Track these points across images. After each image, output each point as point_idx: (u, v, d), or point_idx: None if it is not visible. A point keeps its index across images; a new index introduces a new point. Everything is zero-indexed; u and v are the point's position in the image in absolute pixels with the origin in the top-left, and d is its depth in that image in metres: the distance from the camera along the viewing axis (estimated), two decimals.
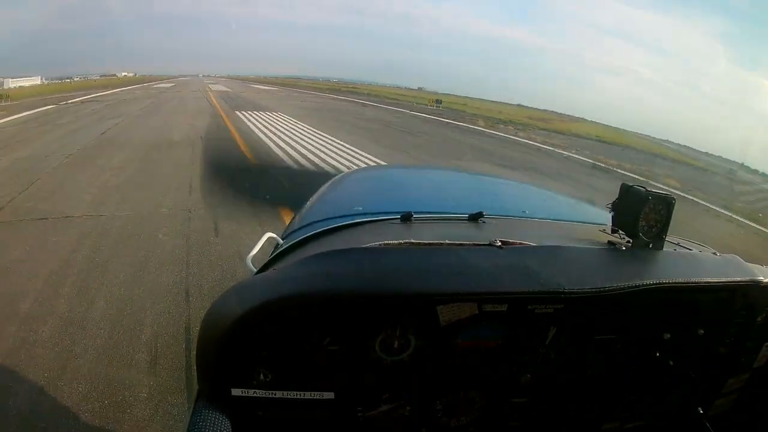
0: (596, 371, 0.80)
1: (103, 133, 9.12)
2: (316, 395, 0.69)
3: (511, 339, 0.73)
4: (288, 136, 9.62)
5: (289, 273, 0.70)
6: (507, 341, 0.73)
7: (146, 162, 6.55)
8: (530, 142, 14.64)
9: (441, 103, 27.58)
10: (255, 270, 0.88)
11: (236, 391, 0.66)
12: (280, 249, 0.97)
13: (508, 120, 23.32)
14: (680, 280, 0.77)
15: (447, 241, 0.80)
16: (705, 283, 0.79)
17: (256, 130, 10.42)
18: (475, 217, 1.00)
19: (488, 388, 0.76)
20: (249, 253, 0.93)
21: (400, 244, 0.78)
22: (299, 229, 1.08)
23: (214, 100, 20.68)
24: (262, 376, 0.66)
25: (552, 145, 14.32)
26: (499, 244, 0.79)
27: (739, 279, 0.83)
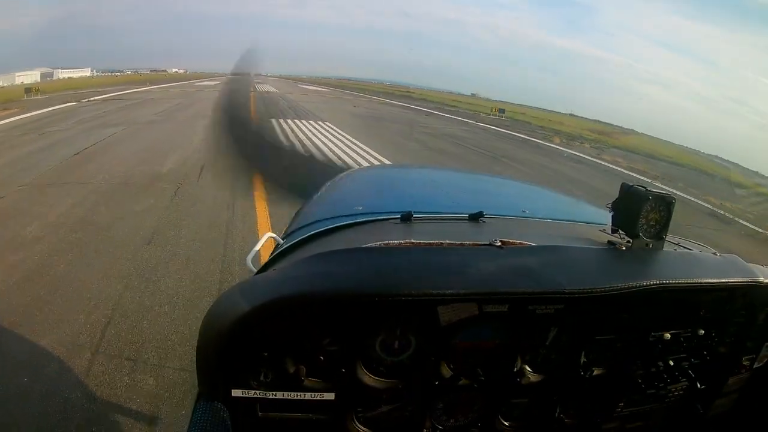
0: (597, 371, 0.79)
1: (76, 153, 6.64)
2: (316, 396, 0.68)
3: (511, 339, 0.72)
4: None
5: (289, 273, 0.69)
6: (507, 341, 0.72)
7: (85, 226, 3.82)
8: (619, 168, 11.79)
9: (504, 112, 24.44)
10: (255, 270, 0.88)
11: (236, 392, 0.65)
12: (280, 249, 0.95)
13: (577, 134, 21.50)
14: (680, 280, 0.76)
15: (447, 241, 0.79)
16: (705, 283, 0.78)
17: None
18: (475, 217, 0.98)
19: (489, 388, 0.75)
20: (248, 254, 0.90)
21: (400, 244, 0.78)
22: (299, 229, 1.05)
23: (252, 104, 18.39)
24: (262, 377, 0.66)
25: (641, 172, 11.43)
26: (499, 244, 0.78)
27: (739, 279, 0.81)
